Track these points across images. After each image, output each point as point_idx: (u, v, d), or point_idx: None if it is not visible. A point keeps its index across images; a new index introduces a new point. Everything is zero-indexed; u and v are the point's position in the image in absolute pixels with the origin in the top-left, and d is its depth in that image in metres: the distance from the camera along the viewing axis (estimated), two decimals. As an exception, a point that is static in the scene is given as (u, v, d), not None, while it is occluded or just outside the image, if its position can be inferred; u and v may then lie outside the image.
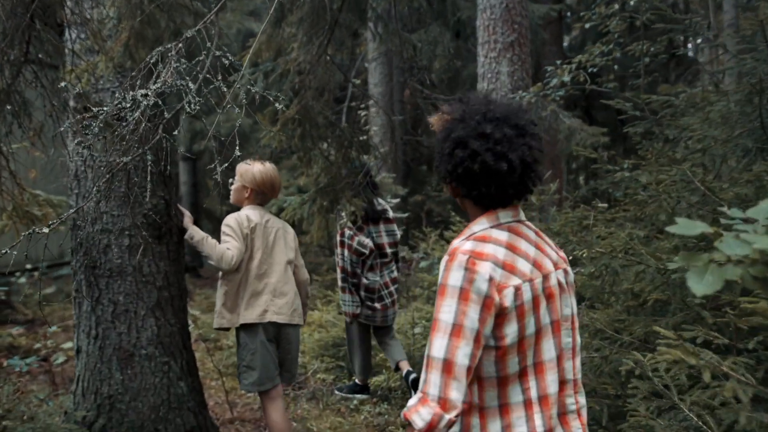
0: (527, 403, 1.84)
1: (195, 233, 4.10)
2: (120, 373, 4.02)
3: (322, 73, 4.38)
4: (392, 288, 5.68)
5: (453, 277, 1.76)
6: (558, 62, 6.62)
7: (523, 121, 1.87)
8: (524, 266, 1.82)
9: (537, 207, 7.31)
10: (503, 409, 1.84)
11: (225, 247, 3.95)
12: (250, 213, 4.12)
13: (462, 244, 1.82)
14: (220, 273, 4.05)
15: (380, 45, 9.89)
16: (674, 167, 3.92)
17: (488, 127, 1.82)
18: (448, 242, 8.05)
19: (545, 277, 1.86)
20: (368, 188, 5.39)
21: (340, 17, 4.59)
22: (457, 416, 1.72)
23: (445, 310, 1.75)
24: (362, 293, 5.61)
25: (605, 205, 5.62)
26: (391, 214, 5.80)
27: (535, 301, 1.82)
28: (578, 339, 1.96)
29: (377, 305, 5.57)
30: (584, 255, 4.97)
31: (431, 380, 1.73)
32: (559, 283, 1.92)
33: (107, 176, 3.92)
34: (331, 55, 4.68)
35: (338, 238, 5.53)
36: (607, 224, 5.52)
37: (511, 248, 1.82)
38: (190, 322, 4.68)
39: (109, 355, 4.02)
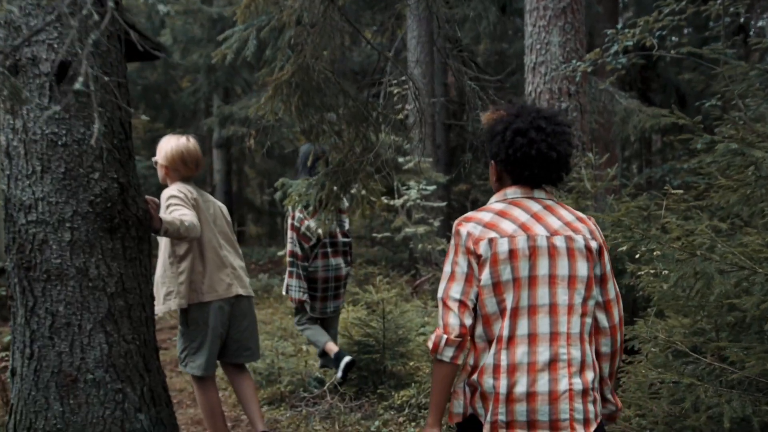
0: (509, 340, 2.15)
1: (169, 225, 3.41)
2: (60, 404, 3.07)
3: (324, 23, 3.37)
4: (338, 283, 5.56)
5: (451, 239, 2.25)
6: (618, 26, 5.50)
7: (566, 122, 2.29)
8: (508, 226, 2.18)
9: (592, 195, 6.26)
10: (498, 342, 2.17)
11: (187, 217, 3.56)
12: (185, 187, 3.81)
13: (464, 215, 2.28)
14: (166, 250, 3.79)
15: (420, 10, 8.84)
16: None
17: (542, 122, 2.22)
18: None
19: (530, 237, 2.16)
20: (326, 166, 4.95)
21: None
22: (456, 337, 2.15)
23: (446, 263, 2.25)
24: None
25: (680, 191, 4.51)
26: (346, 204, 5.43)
27: (512, 253, 2.15)
28: (577, 299, 2.17)
29: (317, 294, 5.46)
30: (655, 252, 3.98)
31: (438, 316, 2.23)
32: (553, 245, 2.17)
33: (44, 152, 2.99)
34: (340, 5, 3.66)
35: (289, 221, 5.27)
36: (679, 214, 4.49)
37: (500, 213, 2.21)
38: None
39: (47, 381, 3.08)
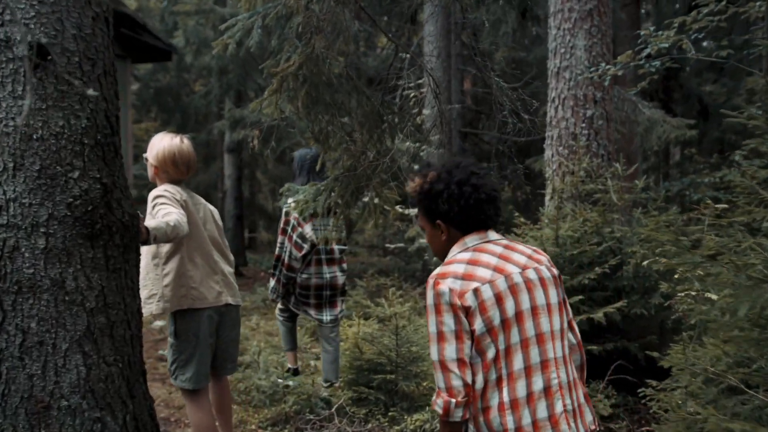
0: (509, 377, 2.22)
1: (155, 230, 3.11)
2: (30, 434, 2.69)
3: (335, 8, 2.97)
4: (334, 291, 5.36)
5: (428, 298, 2.29)
6: (651, 28, 5.10)
7: (481, 170, 2.40)
8: (484, 273, 2.25)
9: (619, 208, 5.87)
10: (498, 382, 2.23)
11: (172, 216, 3.30)
12: (169, 187, 3.56)
13: (434, 272, 2.31)
14: (149, 251, 3.53)
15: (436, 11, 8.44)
16: None
17: (474, 168, 2.40)
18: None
19: (507, 277, 2.26)
20: (315, 176, 4.92)
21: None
22: (464, 398, 2.19)
23: (430, 324, 2.26)
24: (297, 290, 5.30)
25: (723, 205, 4.11)
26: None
27: (497, 296, 2.23)
28: (556, 325, 2.32)
29: (311, 302, 5.29)
30: (697, 272, 3.63)
31: (437, 378, 2.23)
32: (528, 279, 2.29)
33: (17, 147, 2.62)
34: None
35: (281, 226, 5.11)
36: (715, 230, 4.13)
37: (471, 263, 2.28)
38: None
39: (15, 407, 2.68)
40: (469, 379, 2.19)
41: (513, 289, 2.26)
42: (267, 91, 3.17)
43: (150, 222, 3.18)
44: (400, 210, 7.71)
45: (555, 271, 2.42)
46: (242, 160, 13.94)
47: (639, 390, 4.24)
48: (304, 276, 5.17)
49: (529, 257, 2.37)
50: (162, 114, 16.66)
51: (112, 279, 2.80)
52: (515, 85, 10.86)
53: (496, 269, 2.26)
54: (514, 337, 2.23)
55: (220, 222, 3.84)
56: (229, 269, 3.75)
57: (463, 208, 2.32)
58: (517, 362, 2.22)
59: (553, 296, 2.34)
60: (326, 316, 5.42)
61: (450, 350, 2.17)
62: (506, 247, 2.37)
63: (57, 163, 2.67)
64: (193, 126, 15.51)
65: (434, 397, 2.25)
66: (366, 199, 3.89)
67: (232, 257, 3.87)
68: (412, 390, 5.31)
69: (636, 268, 5.23)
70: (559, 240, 5.48)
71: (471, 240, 2.35)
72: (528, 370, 2.23)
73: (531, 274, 2.31)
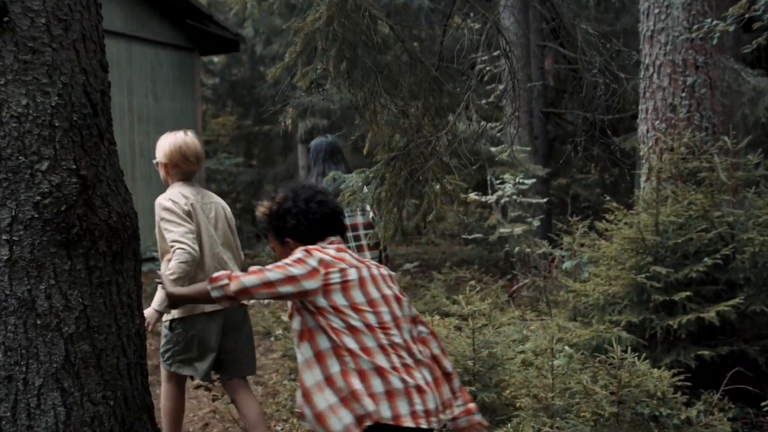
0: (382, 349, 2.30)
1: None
2: (-2, 492, 2.12)
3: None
4: None
5: (297, 251, 2.34)
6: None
7: (321, 191, 2.58)
8: (350, 260, 2.40)
9: (729, 188, 5.01)
10: (365, 351, 2.26)
11: (177, 247, 3.17)
12: (182, 190, 3.43)
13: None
14: (165, 256, 3.41)
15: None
16: None
17: (318, 188, 2.62)
18: (600, 235, 5.76)
19: (368, 268, 2.43)
20: (340, 160, 4.65)
21: None
22: (233, 294, 2.21)
23: (287, 259, 2.30)
24: None
25: None
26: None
27: (361, 281, 2.36)
28: (398, 313, 2.41)
29: None
30: None
31: (249, 279, 2.22)
32: (372, 275, 2.41)
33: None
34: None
35: None
36: None
37: (338, 251, 2.44)
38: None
39: (-19, 459, 2.13)
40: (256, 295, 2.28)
41: (373, 278, 2.41)
42: (288, 54, 2.52)
43: (160, 291, 3.06)
44: (476, 197, 6.95)
45: (384, 271, 2.53)
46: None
47: (763, 404, 3.69)
48: None
49: (360, 260, 2.50)
50: (237, 107, 16.28)
51: (97, 296, 2.20)
52: (601, 57, 9.93)
53: (358, 260, 2.45)
54: (360, 320, 2.30)
55: (232, 219, 3.68)
56: (237, 269, 3.48)
57: (311, 221, 2.46)
58: (368, 341, 2.28)
59: (393, 288, 2.49)
60: None
61: (272, 274, 2.22)
62: (338, 250, 2.48)
63: (20, 153, 2.08)
64: (269, 117, 15.08)
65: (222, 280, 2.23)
66: (426, 187, 3.18)
67: (242, 256, 3.74)
68: (493, 401, 4.58)
69: (753, 258, 4.37)
70: (660, 227, 4.65)
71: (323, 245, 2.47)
72: (372, 349, 2.28)
73: (375, 270, 2.46)
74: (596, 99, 4.51)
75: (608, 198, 5.38)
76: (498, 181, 7.12)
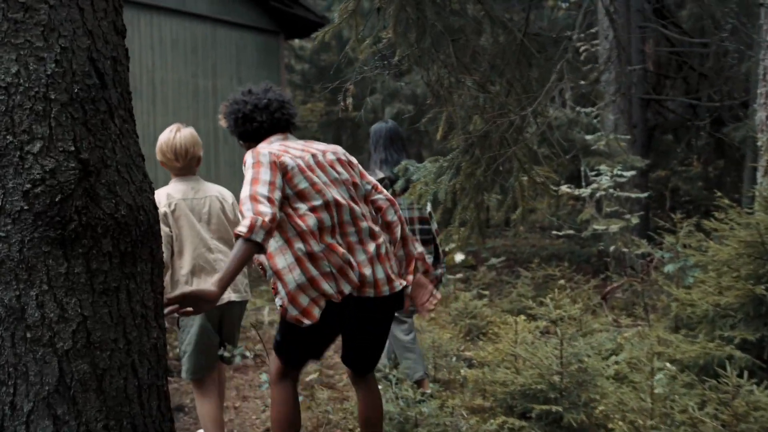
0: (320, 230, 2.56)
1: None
2: None
3: None
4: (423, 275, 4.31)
5: (247, 160, 2.59)
6: None
7: (268, 92, 2.88)
8: (294, 151, 2.66)
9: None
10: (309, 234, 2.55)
11: None
12: (170, 189, 3.44)
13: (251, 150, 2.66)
14: None
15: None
16: None
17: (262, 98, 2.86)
18: (708, 235, 5.07)
19: (313, 156, 2.68)
20: (401, 147, 4.27)
21: None
22: (270, 221, 2.36)
23: (246, 176, 2.53)
24: None
25: None
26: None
27: (308, 167, 2.62)
28: (346, 194, 2.68)
29: None
30: None
31: (245, 208, 2.41)
32: (327, 160, 2.71)
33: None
34: None
35: None
36: None
37: (282, 146, 2.68)
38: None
39: (-39, 496, 1.77)
40: (274, 211, 2.42)
41: (318, 164, 2.65)
42: (339, 13, 2.06)
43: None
44: (569, 189, 6.33)
45: (341, 155, 2.79)
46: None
47: None
48: None
49: (323, 148, 2.77)
50: (326, 93, 16.01)
51: (100, 305, 1.80)
52: (706, 40, 9.04)
53: (304, 150, 2.68)
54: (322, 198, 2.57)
55: (233, 211, 3.62)
56: None
57: (255, 128, 2.82)
58: (326, 220, 2.56)
59: (344, 172, 2.72)
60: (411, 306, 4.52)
61: (261, 189, 2.43)
62: (305, 143, 2.78)
63: (7, 131, 1.69)
64: (356, 103, 14.70)
65: (241, 224, 2.36)
66: (510, 179, 2.65)
67: None
68: (581, 421, 4.02)
69: None
70: (783, 228, 3.97)
71: (275, 139, 2.78)
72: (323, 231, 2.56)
73: (330, 155, 2.73)
74: (700, 89, 3.86)
75: (718, 194, 4.71)
76: (593, 173, 6.47)
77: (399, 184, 3.74)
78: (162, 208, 3.33)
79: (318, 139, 15.69)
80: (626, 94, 6.86)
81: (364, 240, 2.63)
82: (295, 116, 2.88)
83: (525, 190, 2.51)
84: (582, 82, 5.49)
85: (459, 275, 8.39)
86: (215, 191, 3.56)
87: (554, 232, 8.73)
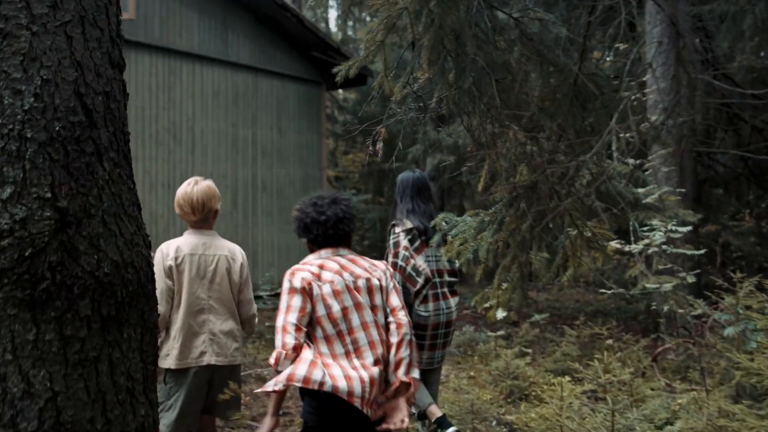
0: (347, 354, 2.78)
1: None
2: None
3: None
4: (449, 329, 4.44)
5: (284, 284, 2.81)
6: None
7: (332, 205, 2.98)
8: (327, 275, 2.83)
9: None
10: (333, 357, 2.77)
11: None
12: (182, 241, 3.37)
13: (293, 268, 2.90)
14: None
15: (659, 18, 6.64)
16: None
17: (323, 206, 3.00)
18: (771, 295, 4.63)
19: (342, 278, 2.84)
20: (428, 198, 4.34)
21: None
22: (293, 351, 2.65)
23: (282, 301, 2.78)
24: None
25: None
26: None
27: (335, 292, 2.80)
28: (381, 319, 2.89)
29: (425, 343, 4.38)
30: None
31: (277, 339, 2.70)
32: (356, 286, 2.87)
33: None
34: None
35: (390, 259, 4.35)
36: None
37: (320, 267, 2.86)
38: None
39: None
40: (299, 340, 2.70)
41: (348, 288, 2.85)
42: (365, 44, 1.80)
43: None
44: (618, 245, 5.93)
45: (383, 282, 2.95)
46: (443, 189, 12.64)
47: None
48: (423, 314, 4.29)
49: (364, 269, 2.94)
50: (367, 144, 15.90)
51: (75, 378, 1.51)
52: (756, 92, 8.63)
53: (336, 272, 2.86)
54: (347, 324, 2.82)
55: (241, 273, 3.55)
56: (228, 326, 3.47)
57: (315, 236, 2.96)
58: (348, 344, 2.81)
59: (378, 299, 2.92)
60: (437, 357, 4.51)
61: (291, 318, 2.71)
62: (350, 260, 2.96)
63: (-27, 172, 1.45)
64: (399, 155, 14.53)
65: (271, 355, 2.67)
66: (561, 235, 2.32)
67: (248, 312, 3.59)
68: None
69: None
70: None
71: (325, 253, 2.95)
72: (357, 350, 2.81)
73: (361, 282, 2.90)
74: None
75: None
76: (646, 228, 6.07)
77: (435, 239, 3.46)
78: (168, 261, 3.33)
79: (359, 190, 15.53)
80: (682, 145, 6.49)
81: (366, 365, 2.81)
82: (351, 231, 3.01)
83: (577, 249, 2.19)
84: (643, 125, 5.16)
85: (500, 332, 7.97)
86: (226, 250, 3.51)
87: (601, 290, 8.28)
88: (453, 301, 4.42)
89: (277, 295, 8.55)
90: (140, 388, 1.66)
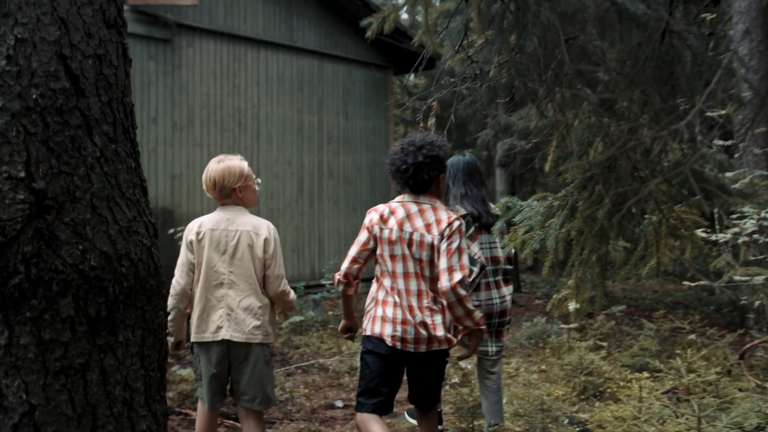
0: (392, 290, 3.10)
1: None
2: None
3: None
4: (503, 318, 4.34)
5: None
6: None
7: (417, 153, 3.08)
8: (391, 222, 3.09)
9: None
10: (386, 292, 3.13)
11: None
12: (208, 217, 3.42)
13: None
14: None
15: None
16: None
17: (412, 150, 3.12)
18: None
19: (400, 229, 3.06)
20: (480, 182, 4.20)
21: None
22: (344, 277, 3.17)
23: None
24: None
25: None
26: None
27: (389, 240, 3.07)
28: (427, 273, 3.08)
29: None
30: None
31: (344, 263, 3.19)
32: (411, 237, 3.06)
33: None
34: None
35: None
36: None
37: (391, 211, 3.12)
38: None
39: None
40: (351, 269, 3.15)
41: (400, 238, 3.08)
42: None
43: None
44: (704, 234, 5.45)
45: (435, 242, 3.04)
46: (514, 175, 12.16)
47: None
48: (474, 303, 3.95)
49: (425, 222, 3.07)
50: (438, 129, 15.55)
51: (56, 388, 1.27)
52: None
53: (398, 222, 3.09)
54: (392, 267, 3.11)
55: (265, 249, 3.47)
56: (247, 303, 3.43)
57: (395, 177, 3.17)
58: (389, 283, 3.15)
59: (425, 253, 3.06)
60: (491, 347, 4.37)
61: (354, 250, 3.15)
62: (420, 210, 3.12)
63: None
64: (470, 140, 14.09)
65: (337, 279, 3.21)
66: (645, 220, 1.97)
67: (275, 289, 3.47)
68: None
69: None
70: None
71: (404, 196, 3.18)
72: (399, 292, 3.12)
73: (417, 236, 3.07)
74: None
75: None
76: (735, 216, 5.57)
77: (497, 226, 3.17)
78: (190, 236, 3.41)
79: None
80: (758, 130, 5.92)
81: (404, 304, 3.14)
82: (435, 177, 3.10)
83: (663, 238, 1.84)
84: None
85: (573, 324, 7.54)
86: (249, 225, 3.47)
87: (684, 282, 7.75)
88: (507, 290, 4.30)
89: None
90: (141, 399, 1.41)
